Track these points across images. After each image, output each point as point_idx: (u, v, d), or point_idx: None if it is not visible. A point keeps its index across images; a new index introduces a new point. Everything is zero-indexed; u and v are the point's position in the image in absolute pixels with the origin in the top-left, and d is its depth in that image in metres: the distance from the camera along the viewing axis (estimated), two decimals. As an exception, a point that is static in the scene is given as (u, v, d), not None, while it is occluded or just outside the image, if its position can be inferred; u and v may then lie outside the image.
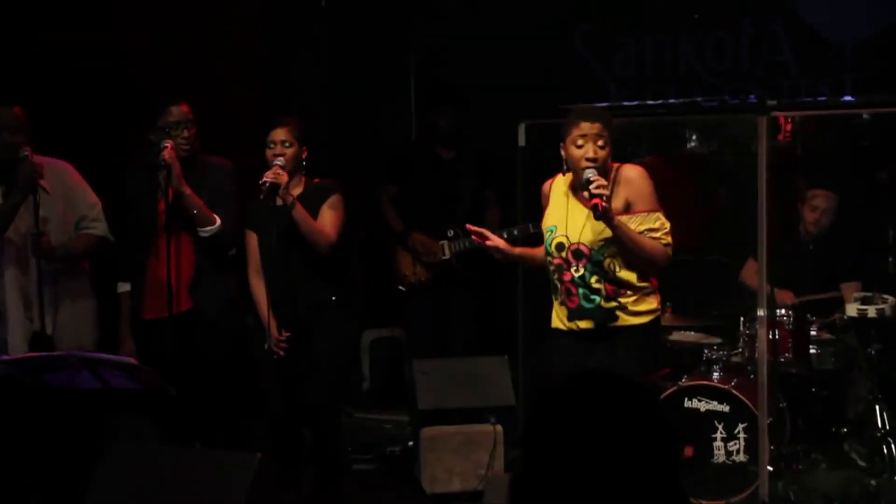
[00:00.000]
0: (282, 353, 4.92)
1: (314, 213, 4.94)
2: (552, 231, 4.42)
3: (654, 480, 1.82)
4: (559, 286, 4.43)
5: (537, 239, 4.77)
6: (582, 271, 4.34)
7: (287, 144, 4.93)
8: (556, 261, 4.40)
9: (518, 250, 4.69)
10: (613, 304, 4.34)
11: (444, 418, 5.61)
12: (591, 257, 4.32)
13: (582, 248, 4.33)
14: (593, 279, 4.34)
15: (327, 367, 5.03)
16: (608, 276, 4.33)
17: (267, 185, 4.79)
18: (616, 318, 4.36)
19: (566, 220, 4.37)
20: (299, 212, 4.85)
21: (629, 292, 4.35)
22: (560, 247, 4.38)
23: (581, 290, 4.36)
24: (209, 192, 5.09)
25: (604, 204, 4.13)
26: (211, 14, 7.03)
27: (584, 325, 4.39)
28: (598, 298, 4.34)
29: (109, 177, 5.38)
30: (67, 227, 5.26)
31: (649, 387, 1.94)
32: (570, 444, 1.82)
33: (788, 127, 6.14)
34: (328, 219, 4.98)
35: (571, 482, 1.81)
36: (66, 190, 5.26)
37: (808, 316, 5.75)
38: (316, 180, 5.08)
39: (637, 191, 4.33)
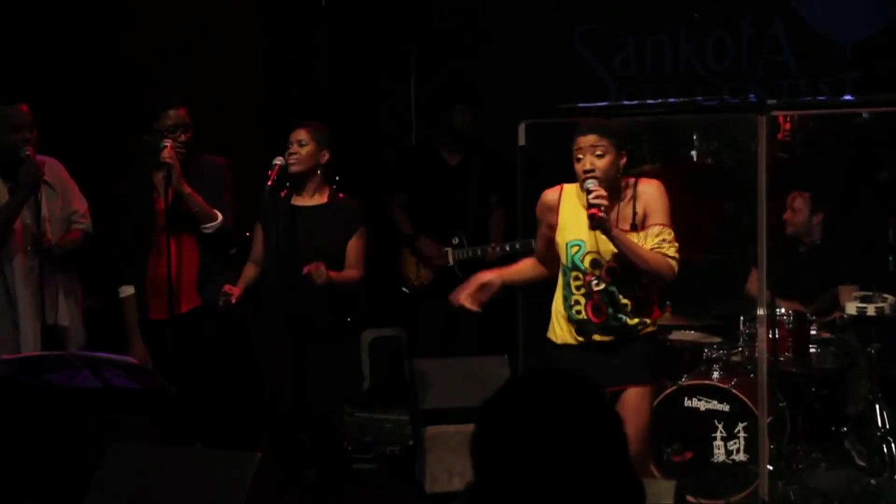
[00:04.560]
0: (232, 300, 4.92)
1: (337, 231, 4.93)
2: (580, 245, 4.32)
3: (605, 471, 1.81)
4: (585, 301, 4.34)
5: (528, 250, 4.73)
6: (613, 288, 4.29)
7: (303, 143, 4.94)
8: (588, 277, 4.31)
9: (500, 281, 4.51)
10: (636, 319, 4.33)
11: (445, 418, 5.61)
12: (622, 273, 4.28)
13: (614, 265, 4.28)
14: (620, 296, 4.30)
15: (329, 368, 5.03)
16: (632, 292, 4.30)
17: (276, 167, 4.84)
18: (637, 332, 4.35)
19: (595, 234, 4.26)
20: (331, 281, 4.82)
21: (647, 306, 4.36)
22: (595, 263, 4.30)
23: (610, 309, 4.31)
24: (206, 191, 5.11)
25: (600, 214, 4.09)
26: (211, 14, 7.04)
27: (603, 338, 4.34)
28: (623, 317, 4.31)
29: (106, 176, 5.38)
30: (65, 223, 5.26)
31: (587, 380, 1.91)
32: (516, 449, 1.84)
33: (788, 126, 6.13)
34: (355, 253, 5.01)
35: (522, 486, 1.81)
36: (63, 186, 5.26)
37: (808, 315, 5.75)
38: (341, 195, 5.09)
39: (653, 205, 4.29)
